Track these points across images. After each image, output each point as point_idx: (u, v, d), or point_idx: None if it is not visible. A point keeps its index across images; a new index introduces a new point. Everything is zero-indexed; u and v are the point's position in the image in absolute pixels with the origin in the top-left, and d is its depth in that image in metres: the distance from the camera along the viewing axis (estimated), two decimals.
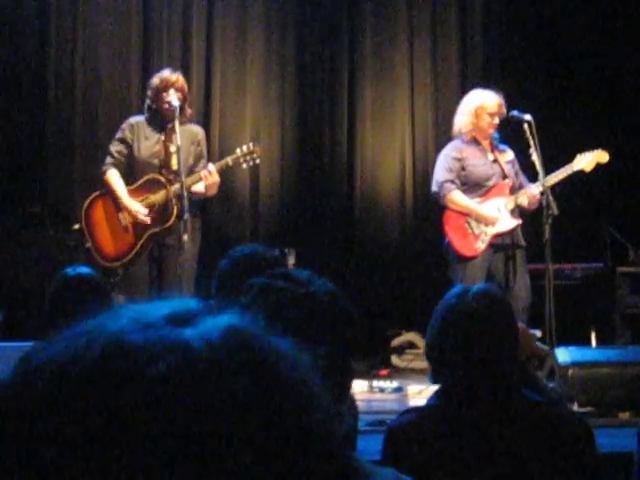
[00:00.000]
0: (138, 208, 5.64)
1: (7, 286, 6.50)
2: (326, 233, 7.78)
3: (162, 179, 5.66)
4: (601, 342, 6.55)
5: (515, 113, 5.98)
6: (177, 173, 5.51)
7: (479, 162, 6.02)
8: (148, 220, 5.62)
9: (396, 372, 6.92)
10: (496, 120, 6.00)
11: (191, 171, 5.69)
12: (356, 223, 7.92)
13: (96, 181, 6.03)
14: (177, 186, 5.49)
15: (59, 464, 0.59)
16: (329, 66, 7.99)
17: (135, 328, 0.64)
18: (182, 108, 5.59)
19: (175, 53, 7.66)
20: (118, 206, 5.72)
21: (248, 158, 5.78)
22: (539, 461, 2.18)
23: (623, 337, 6.72)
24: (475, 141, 6.06)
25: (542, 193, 5.83)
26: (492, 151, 6.08)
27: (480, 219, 5.93)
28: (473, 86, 6.49)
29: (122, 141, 5.79)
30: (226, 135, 7.67)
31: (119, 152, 5.77)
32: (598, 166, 6.06)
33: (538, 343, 4.30)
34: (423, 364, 6.22)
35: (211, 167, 5.62)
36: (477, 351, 2.27)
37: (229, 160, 5.76)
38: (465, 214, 5.96)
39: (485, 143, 6.08)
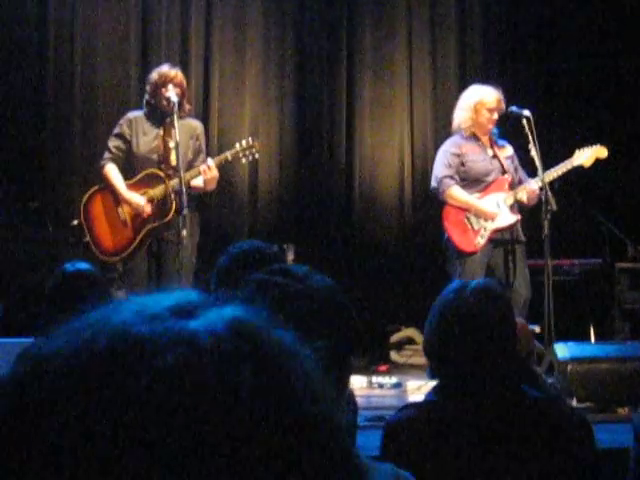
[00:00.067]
0: (138, 199, 5.63)
1: (6, 282, 6.50)
2: (325, 229, 7.78)
3: (161, 174, 5.65)
4: (600, 338, 6.56)
5: (514, 109, 5.99)
6: (176, 169, 5.50)
7: (478, 158, 6.02)
8: (149, 209, 5.61)
9: (395, 368, 6.93)
10: (495, 115, 6.00)
11: (190, 166, 5.69)
12: (355, 219, 7.93)
13: (95, 177, 6.03)
14: (176, 181, 5.49)
15: (68, 457, 0.58)
16: (328, 62, 7.99)
17: (140, 320, 0.64)
18: (181, 103, 5.59)
19: (174, 50, 7.65)
20: (117, 201, 5.72)
21: (247, 153, 5.78)
22: (538, 457, 2.18)
23: (622, 333, 6.73)
24: (474, 137, 6.06)
25: (541, 189, 5.83)
26: (491, 146, 6.08)
27: (479, 214, 5.93)
28: (472, 82, 6.49)
29: (120, 136, 5.78)
30: (225, 132, 7.67)
31: (117, 147, 5.77)
32: (597, 161, 6.07)
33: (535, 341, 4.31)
34: (422, 360, 6.22)
35: (210, 162, 5.62)
36: (475, 346, 2.27)
37: (228, 155, 5.75)
38: (464, 209, 5.96)
39: (484, 139, 6.07)
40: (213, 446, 0.59)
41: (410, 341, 7.26)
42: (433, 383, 2.42)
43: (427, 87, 8.04)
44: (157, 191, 5.63)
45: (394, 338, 7.34)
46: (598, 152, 6.07)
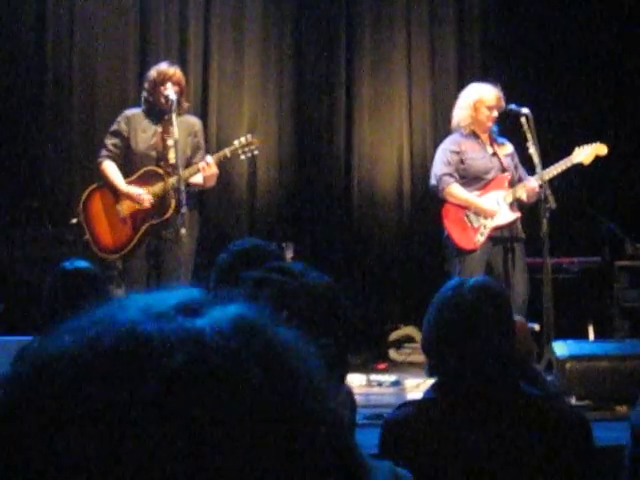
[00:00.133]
0: (138, 191, 5.62)
1: (5, 280, 6.50)
2: (324, 227, 7.78)
3: (160, 171, 5.65)
4: (599, 336, 6.56)
5: (513, 107, 5.98)
6: (175, 166, 5.50)
7: (478, 155, 6.02)
8: (150, 200, 5.60)
9: (394, 366, 6.93)
10: (495, 113, 5.99)
11: (189, 163, 5.69)
12: (354, 217, 7.92)
13: (94, 175, 6.02)
14: (175, 178, 5.48)
15: (76, 455, 0.58)
16: (327, 60, 7.98)
17: (146, 318, 0.64)
18: (179, 101, 5.59)
19: (173, 46, 7.65)
20: (116, 198, 5.72)
21: (246, 149, 5.78)
22: (536, 454, 2.18)
23: (621, 331, 6.73)
24: (474, 134, 6.06)
25: (540, 186, 5.83)
26: (491, 144, 6.08)
27: (479, 212, 5.93)
28: (471, 80, 6.49)
29: (117, 134, 5.77)
30: (223, 129, 7.66)
31: (114, 145, 5.76)
32: (597, 159, 6.07)
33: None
34: (421, 358, 6.22)
35: (209, 159, 5.61)
36: (473, 344, 2.26)
37: (227, 151, 5.75)
38: (464, 207, 5.96)
39: (484, 136, 6.07)
40: (221, 443, 0.59)
41: (409, 339, 7.26)
42: (432, 381, 2.42)
43: (426, 85, 8.04)
44: (156, 189, 5.63)
45: (393, 336, 7.34)
46: (598, 150, 6.07)
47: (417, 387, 5.52)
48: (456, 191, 5.97)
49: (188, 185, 5.54)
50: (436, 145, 6.47)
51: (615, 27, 7.86)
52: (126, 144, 5.73)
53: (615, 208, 7.45)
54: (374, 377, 6.07)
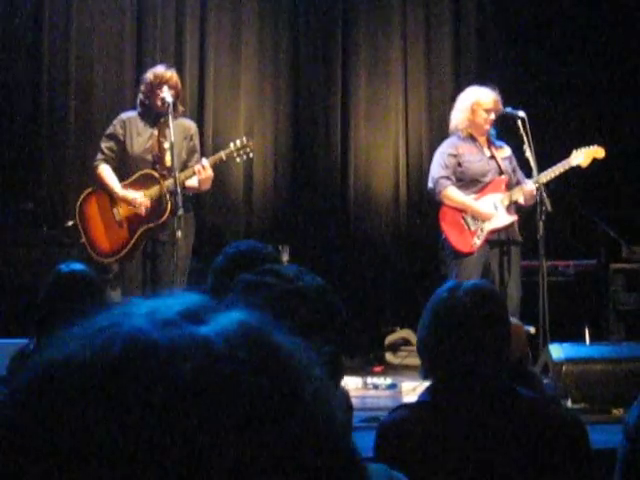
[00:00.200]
0: (134, 195, 5.63)
1: (1, 282, 6.49)
2: (320, 229, 7.78)
3: (156, 174, 5.65)
4: (595, 339, 6.55)
5: (508, 110, 5.99)
6: (171, 169, 5.50)
7: (475, 158, 6.02)
8: (147, 204, 5.60)
9: (390, 369, 6.93)
10: (492, 116, 6.00)
11: (184, 166, 5.69)
12: (350, 219, 7.93)
13: (90, 178, 6.02)
14: (171, 181, 5.48)
15: (84, 466, 0.58)
16: (323, 63, 7.99)
17: (154, 326, 0.63)
18: (175, 104, 5.58)
19: (169, 49, 7.65)
20: (112, 202, 5.71)
21: (242, 152, 5.78)
22: (532, 457, 2.18)
23: (617, 333, 6.74)
24: (471, 137, 6.06)
25: (536, 189, 5.84)
26: (489, 147, 6.08)
27: (476, 215, 5.93)
28: (467, 83, 6.50)
29: (113, 137, 5.77)
30: (220, 132, 7.66)
31: (109, 148, 5.76)
32: (594, 162, 6.08)
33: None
34: (417, 361, 6.18)
35: (205, 162, 5.61)
36: (468, 346, 2.26)
37: (223, 155, 5.75)
38: (461, 210, 5.96)
39: (482, 139, 6.08)
40: (232, 450, 0.59)
41: (405, 342, 7.26)
42: (428, 384, 2.42)
43: (422, 87, 8.05)
44: (152, 192, 5.63)
45: (389, 339, 7.34)
46: (595, 152, 6.08)
47: (413, 390, 5.51)
48: (453, 194, 5.97)
49: (184, 188, 5.53)
50: (432, 148, 6.48)
51: (612, 30, 7.87)
52: (122, 147, 5.73)
53: (611, 211, 7.45)
54: (370, 380, 6.07)
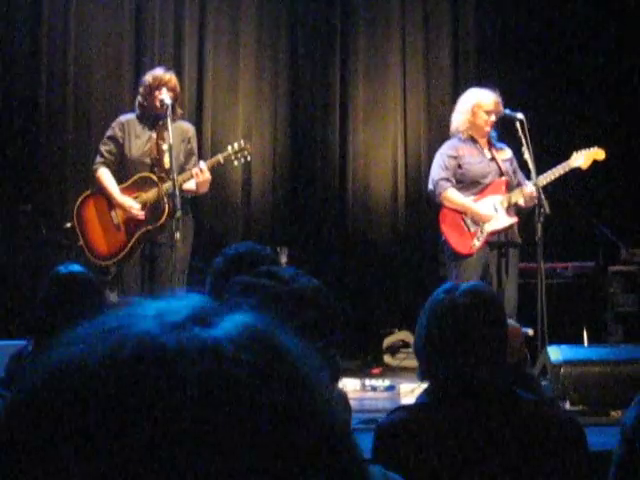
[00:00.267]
0: (131, 203, 5.63)
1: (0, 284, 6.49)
2: (318, 231, 7.78)
3: (154, 177, 5.65)
4: (593, 341, 6.55)
5: (507, 112, 5.99)
6: (169, 172, 5.50)
7: (475, 160, 6.02)
8: (142, 215, 5.61)
9: (389, 371, 6.93)
10: (493, 118, 6.00)
11: (182, 169, 5.69)
12: (348, 221, 7.93)
13: (88, 180, 6.02)
14: (169, 184, 5.48)
15: (92, 468, 0.58)
16: (321, 64, 7.99)
17: (162, 329, 0.63)
18: (173, 107, 5.58)
19: (167, 52, 7.65)
20: (110, 204, 5.71)
21: (239, 155, 5.78)
22: (529, 459, 2.18)
23: (615, 336, 6.73)
24: (472, 139, 6.07)
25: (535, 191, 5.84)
26: (489, 149, 6.08)
27: (475, 217, 5.93)
28: (466, 84, 6.50)
29: (112, 140, 5.77)
30: (218, 133, 7.67)
31: (109, 151, 5.76)
32: (594, 163, 6.08)
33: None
34: (415, 362, 6.22)
35: (202, 165, 5.61)
36: (465, 348, 2.26)
37: (220, 157, 5.75)
38: (461, 212, 5.96)
39: (482, 141, 6.08)
40: (241, 451, 0.59)
41: (403, 344, 7.26)
42: (426, 386, 2.42)
43: (420, 88, 8.05)
44: (150, 194, 5.63)
45: (387, 341, 7.34)
46: (595, 154, 6.08)
47: (412, 392, 5.51)
48: (452, 196, 5.97)
49: (181, 191, 5.53)
50: (430, 149, 6.48)
51: (611, 31, 7.88)
52: (120, 150, 5.73)
53: (609, 213, 7.45)
54: (368, 382, 6.07)
